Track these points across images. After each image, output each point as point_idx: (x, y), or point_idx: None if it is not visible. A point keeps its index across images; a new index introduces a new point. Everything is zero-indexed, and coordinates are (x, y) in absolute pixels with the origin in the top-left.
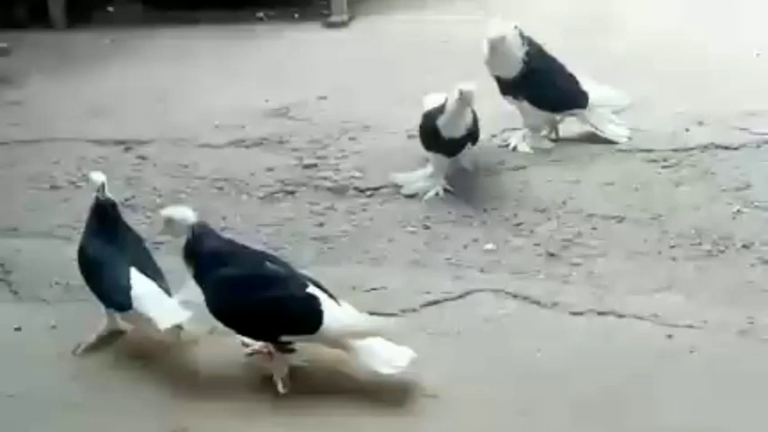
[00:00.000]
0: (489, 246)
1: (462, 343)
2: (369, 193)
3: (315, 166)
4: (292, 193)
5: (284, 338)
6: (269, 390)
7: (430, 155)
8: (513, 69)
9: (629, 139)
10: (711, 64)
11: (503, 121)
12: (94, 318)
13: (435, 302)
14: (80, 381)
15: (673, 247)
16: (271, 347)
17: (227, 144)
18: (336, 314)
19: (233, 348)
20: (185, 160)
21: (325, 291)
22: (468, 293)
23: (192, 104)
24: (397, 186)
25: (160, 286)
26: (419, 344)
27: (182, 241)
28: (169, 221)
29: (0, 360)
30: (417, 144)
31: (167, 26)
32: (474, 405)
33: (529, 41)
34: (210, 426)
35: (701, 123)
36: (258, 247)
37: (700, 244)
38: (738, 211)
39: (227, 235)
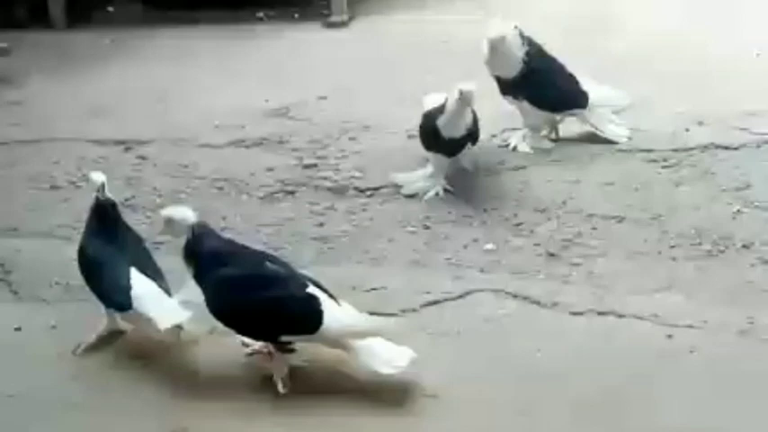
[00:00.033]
0: (489, 246)
1: (462, 343)
2: (369, 193)
3: (315, 166)
4: (292, 193)
5: (284, 338)
6: (269, 390)
7: (430, 155)
8: (513, 69)
9: (630, 139)
10: (711, 64)
11: (503, 121)
12: (94, 318)
13: (435, 302)
14: (80, 381)
15: (673, 247)
16: (271, 347)
17: (227, 144)
18: (336, 314)
19: (233, 348)
20: (185, 160)
21: (325, 291)
22: (468, 293)
23: (192, 104)
24: (397, 186)
25: (160, 286)
26: (419, 344)
27: (182, 241)
28: (169, 221)
29: (0, 360)
30: (417, 144)
31: (167, 26)
32: (474, 405)
33: (529, 41)
34: (210, 426)
35: (701, 123)
36: (258, 247)
37: (700, 244)
38: (738, 211)
39: (227, 235)
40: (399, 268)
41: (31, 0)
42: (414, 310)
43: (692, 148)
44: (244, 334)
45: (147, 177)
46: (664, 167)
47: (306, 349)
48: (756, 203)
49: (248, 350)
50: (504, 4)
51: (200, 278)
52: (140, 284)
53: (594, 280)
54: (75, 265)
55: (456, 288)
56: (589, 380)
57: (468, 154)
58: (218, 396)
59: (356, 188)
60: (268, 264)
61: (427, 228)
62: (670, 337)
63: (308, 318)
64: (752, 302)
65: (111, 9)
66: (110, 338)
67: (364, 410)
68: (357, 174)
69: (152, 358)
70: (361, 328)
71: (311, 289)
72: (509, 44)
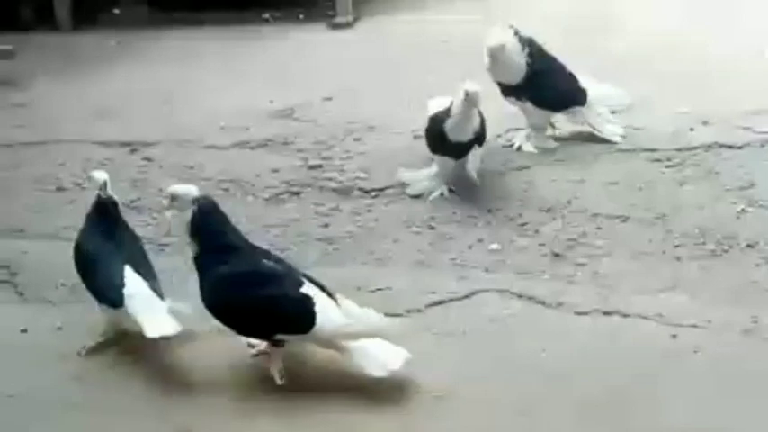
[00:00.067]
0: (494, 246)
1: (467, 343)
2: (374, 193)
3: (320, 167)
4: (297, 194)
5: (278, 337)
6: (269, 390)
7: (435, 157)
8: (516, 76)
9: (624, 137)
10: (712, 64)
11: (507, 121)
12: (100, 319)
13: (440, 303)
14: (81, 381)
15: (677, 246)
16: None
17: (232, 145)
18: (331, 315)
19: (233, 348)
20: (191, 162)
21: (323, 289)
22: (473, 293)
23: (197, 106)
24: (402, 185)
25: (152, 287)
26: (424, 344)
27: (187, 216)
28: (174, 196)
29: (7, 361)
30: (422, 144)
31: (173, 28)
32: (479, 404)
33: (529, 42)
34: (211, 425)
35: (705, 123)
36: (264, 247)
37: (704, 243)
38: (742, 210)
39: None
40: (404, 269)
41: (36, 2)
42: (419, 311)
43: (695, 148)
44: (237, 330)
45: (153, 179)
46: (667, 167)
47: (305, 348)
48: (760, 203)
49: (254, 351)
50: (504, 4)
51: (199, 261)
52: (133, 284)
53: (599, 280)
54: None
55: (461, 288)
56: (594, 379)
57: (474, 162)
58: (219, 396)
59: (361, 189)
60: (265, 261)
61: (432, 228)
62: (674, 336)
63: (300, 318)
64: (756, 302)
65: (116, 11)
66: (111, 339)
67: (365, 410)
68: (362, 174)
69: (153, 358)
70: (356, 330)
71: (306, 288)
72: (509, 52)
